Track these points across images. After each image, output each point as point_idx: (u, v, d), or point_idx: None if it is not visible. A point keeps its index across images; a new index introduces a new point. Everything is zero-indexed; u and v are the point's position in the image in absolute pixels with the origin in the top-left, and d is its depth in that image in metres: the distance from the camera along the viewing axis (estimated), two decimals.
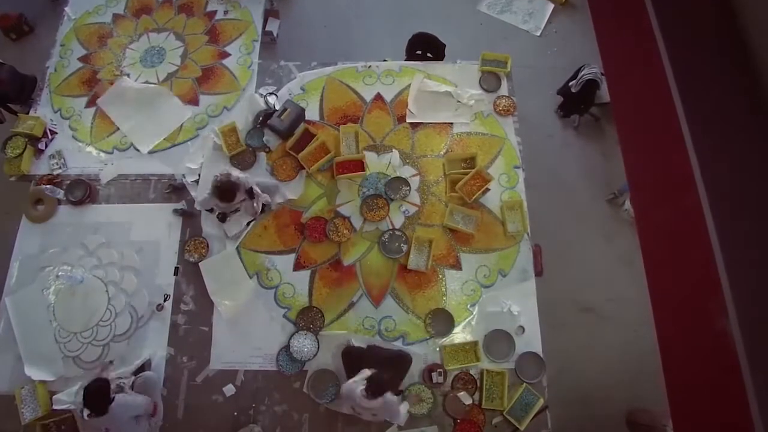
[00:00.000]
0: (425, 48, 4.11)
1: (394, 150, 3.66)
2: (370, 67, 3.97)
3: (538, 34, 5.04)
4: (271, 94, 3.82)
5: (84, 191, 3.56)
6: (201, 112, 3.86)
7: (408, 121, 3.75)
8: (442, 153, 3.66)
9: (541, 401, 2.97)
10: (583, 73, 4.20)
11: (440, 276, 3.33)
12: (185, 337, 3.25)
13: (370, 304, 3.28)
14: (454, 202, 3.47)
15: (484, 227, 3.43)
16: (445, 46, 4.08)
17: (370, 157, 3.63)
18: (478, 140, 3.70)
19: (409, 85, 3.86)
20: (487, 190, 3.43)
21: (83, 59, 4.10)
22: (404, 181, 3.52)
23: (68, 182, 3.61)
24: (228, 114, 3.84)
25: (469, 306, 3.26)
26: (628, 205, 4.07)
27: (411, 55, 4.15)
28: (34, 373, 3.10)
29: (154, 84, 3.95)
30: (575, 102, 4.34)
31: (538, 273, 3.31)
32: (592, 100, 4.29)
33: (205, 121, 3.82)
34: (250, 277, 3.34)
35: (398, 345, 3.15)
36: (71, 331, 3.24)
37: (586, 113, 4.46)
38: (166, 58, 4.06)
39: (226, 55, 4.07)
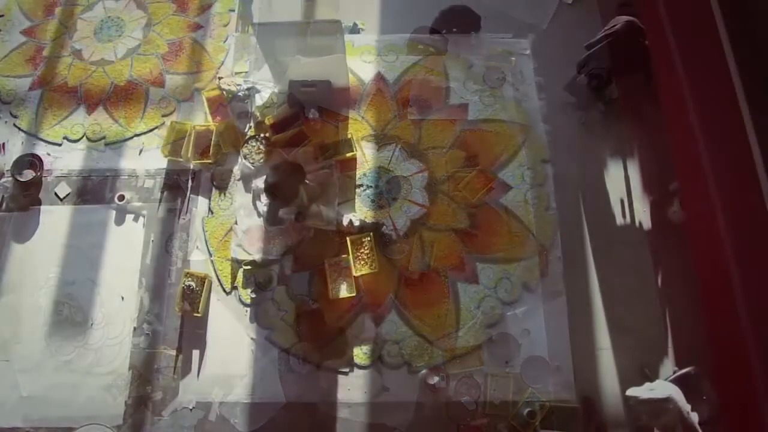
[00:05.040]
0: (461, 23, 3.55)
1: (396, 143, 3.26)
2: (356, 25, 3.56)
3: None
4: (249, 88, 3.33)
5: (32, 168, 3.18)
6: (166, 95, 3.42)
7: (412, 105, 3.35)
8: (453, 144, 3.27)
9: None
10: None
11: (445, 280, 2.98)
12: (148, 361, 2.90)
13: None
14: (458, 200, 3.16)
15: (501, 231, 3.08)
16: (480, 17, 3.56)
17: (368, 150, 3.26)
18: (497, 128, 3.28)
19: (416, 63, 3.46)
20: (492, 189, 3.18)
21: (26, 32, 3.66)
22: (407, 179, 3.21)
23: (13, 161, 3.21)
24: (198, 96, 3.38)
25: (473, 309, 2.98)
26: (677, 205, 3.65)
27: (446, 29, 3.57)
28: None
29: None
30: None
31: (543, 274, 3.08)
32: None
33: (171, 107, 3.39)
34: (228, 293, 2.98)
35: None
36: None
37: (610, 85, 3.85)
38: (125, 31, 3.64)
39: (197, 27, 3.63)
